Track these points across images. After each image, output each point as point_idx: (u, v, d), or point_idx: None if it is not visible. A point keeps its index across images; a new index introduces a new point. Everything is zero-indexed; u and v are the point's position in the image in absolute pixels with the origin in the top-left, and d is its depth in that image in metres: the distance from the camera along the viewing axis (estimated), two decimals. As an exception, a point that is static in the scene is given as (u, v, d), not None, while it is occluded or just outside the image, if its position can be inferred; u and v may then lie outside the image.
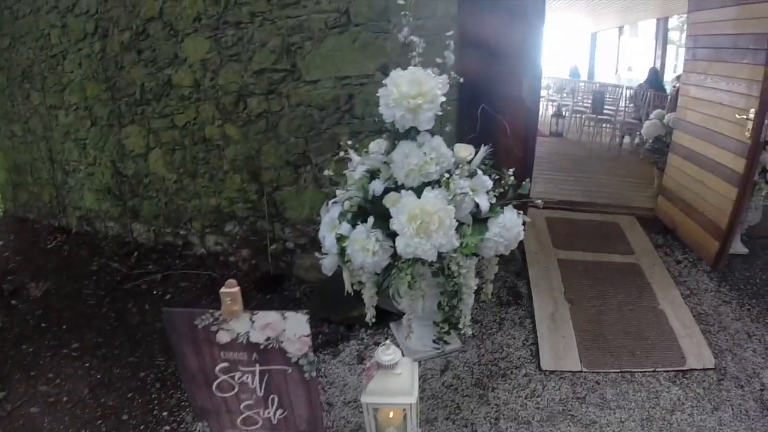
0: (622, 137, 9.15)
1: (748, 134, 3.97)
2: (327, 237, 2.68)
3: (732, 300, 4.00)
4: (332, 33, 3.68)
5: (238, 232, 4.75)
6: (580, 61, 20.87)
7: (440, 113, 2.44)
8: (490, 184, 2.63)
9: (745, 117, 3.97)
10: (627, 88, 9.10)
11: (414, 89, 2.32)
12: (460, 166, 2.58)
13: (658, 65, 14.20)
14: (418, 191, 2.39)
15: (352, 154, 2.82)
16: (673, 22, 14.12)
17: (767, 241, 5.14)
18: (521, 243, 4.36)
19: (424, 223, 2.25)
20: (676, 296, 3.97)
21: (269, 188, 4.34)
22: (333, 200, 2.79)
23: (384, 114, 2.43)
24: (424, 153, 2.42)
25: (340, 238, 2.56)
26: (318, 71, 3.82)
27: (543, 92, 13.47)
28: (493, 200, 2.62)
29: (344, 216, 2.63)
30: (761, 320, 3.74)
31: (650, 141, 5.81)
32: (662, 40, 14.04)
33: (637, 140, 8.58)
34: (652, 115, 6.03)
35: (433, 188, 2.40)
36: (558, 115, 10.05)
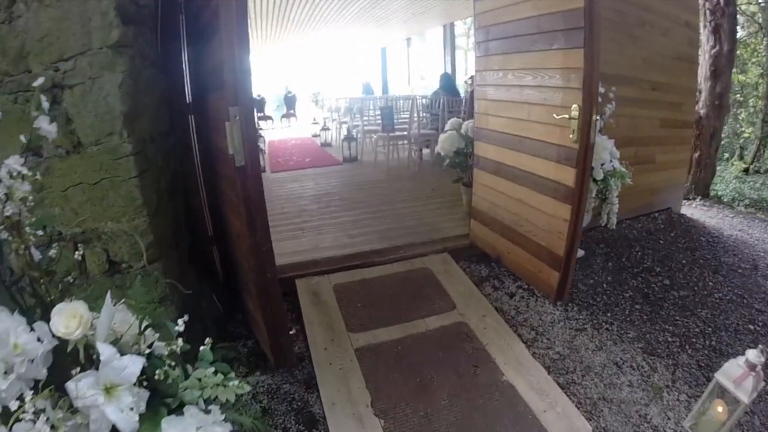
0: (421, 150, 8.30)
1: (573, 137, 3.05)
2: None
3: (586, 324, 3.37)
4: None
5: None
6: (372, 77, 20.54)
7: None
8: (135, 369, 1.18)
9: (567, 116, 3.03)
10: (421, 97, 8.19)
11: None
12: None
13: (449, 70, 14.02)
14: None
15: None
16: (460, 28, 14.09)
17: (598, 233, 4.68)
18: (304, 336, 3.08)
19: None
20: (521, 352, 3.05)
21: None
22: None
23: None
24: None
25: None
26: None
27: (335, 115, 12.47)
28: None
29: None
30: (624, 337, 3.25)
31: (449, 156, 4.80)
32: (450, 46, 13.89)
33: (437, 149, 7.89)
34: (447, 125, 5.06)
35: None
36: (350, 138, 8.95)
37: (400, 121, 8.76)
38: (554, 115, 3.12)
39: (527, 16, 3.37)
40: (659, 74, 4.97)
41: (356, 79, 20.01)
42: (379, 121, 8.94)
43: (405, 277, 3.97)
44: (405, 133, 7.96)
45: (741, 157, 12.53)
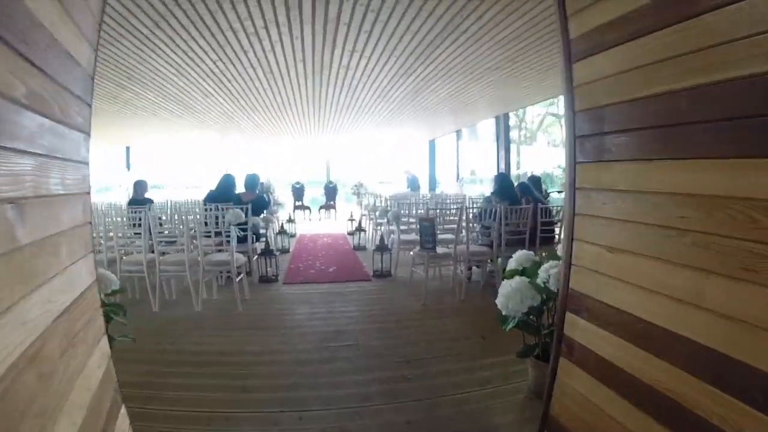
0: (470, 269, 6.46)
1: None
2: None
3: None
4: None
5: None
6: (420, 169, 19.23)
7: None
8: None
9: None
10: (467, 208, 6.37)
11: None
12: None
13: (502, 167, 12.41)
14: None
15: None
16: (513, 119, 12.73)
17: None
18: None
19: None
20: None
21: None
22: None
23: None
24: None
25: None
26: None
27: (372, 214, 10.90)
28: None
29: None
30: None
31: (517, 316, 2.95)
32: (504, 139, 12.39)
33: (490, 268, 6.32)
34: (511, 262, 3.27)
35: None
36: (382, 248, 7.22)
37: (445, 227, 6.94)
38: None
39: (698, 83, 1.63)
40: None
41: (403, 170, 18.77)
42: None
43: None
44: (449, 250, 6.15)
45: None
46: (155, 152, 22.07)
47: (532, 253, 3.27)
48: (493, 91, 8.73)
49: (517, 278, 2.91)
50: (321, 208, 17.19)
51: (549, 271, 2.77)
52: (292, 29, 5.06)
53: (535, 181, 8.07)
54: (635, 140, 1.94)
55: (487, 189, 17.43)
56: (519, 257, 3.24)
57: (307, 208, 16.90)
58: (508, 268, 3.30)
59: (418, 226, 6.12)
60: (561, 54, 2.35)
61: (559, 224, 6.87)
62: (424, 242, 5.74)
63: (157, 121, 11.71)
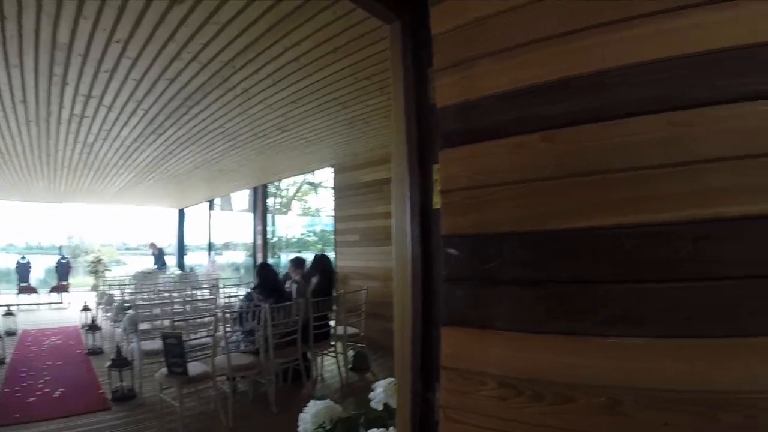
0: (233, 381, 5.14)
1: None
2: None
3: None
4: None
5: None
6: (166, 240, 17.44)
7: None
8: None
9: None
10: (224, 310, 5.03)
11: None
12: None
13: (259, 240, 11.66)
14: None
15: None
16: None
17: None
18: None
19: None
20: None
21: None
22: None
23: None
24: None
25: None
26: None
27: (107, 308, 9.04)
28: None
29: None
30: None
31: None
32: (261, 207, 11.84)
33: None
34: (304, 419, 2.15)
35: None
36: (120, 363, 5.34)
37: (197, 322, 5.47)
38: None
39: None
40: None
41: (149, 244, 16.79)
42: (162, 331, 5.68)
43: None
44: (206, 366, 4.71)
45: None
46: None
47: (331, 402, 2.21)
48: (256, 160, 7.83)
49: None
50: (52, 290, 14.28)
51: None
52: (8, 54, 3.53)
53: (324, 260, 6.96)
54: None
55: (241, 256, 16.45)
56: (317, 412, 2.14)
57: (34, 290, 13.87)
58: (302, 429, 2.19)
59: (162, 343, 4.58)
60: (401, 131, 1.44)
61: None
62: (171, 364, 4.31)
63: None
